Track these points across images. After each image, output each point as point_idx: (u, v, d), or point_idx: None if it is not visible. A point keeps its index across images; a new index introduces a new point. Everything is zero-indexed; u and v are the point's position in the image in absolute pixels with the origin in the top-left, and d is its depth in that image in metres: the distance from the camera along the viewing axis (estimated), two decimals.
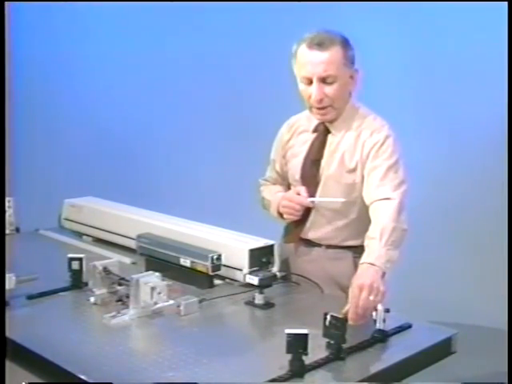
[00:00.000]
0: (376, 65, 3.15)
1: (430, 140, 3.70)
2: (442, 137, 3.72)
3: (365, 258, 2.02)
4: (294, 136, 2.45)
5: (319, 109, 2.28)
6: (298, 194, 2.34)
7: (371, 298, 1.87)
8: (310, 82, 2.24)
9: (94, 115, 4.72)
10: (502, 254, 2.86)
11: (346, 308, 1.89)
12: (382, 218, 2.10)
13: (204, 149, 4.34)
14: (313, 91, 2.24)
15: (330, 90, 2.24)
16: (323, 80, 2.22)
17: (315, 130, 2.38)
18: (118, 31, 4.55)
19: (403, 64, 3.72)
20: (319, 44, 2.21)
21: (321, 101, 2.25)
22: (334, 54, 2.21)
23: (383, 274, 1.97)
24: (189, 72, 4.33)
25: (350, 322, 1.84)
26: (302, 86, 2.28)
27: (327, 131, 2.35)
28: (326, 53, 2.20)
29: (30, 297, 2.13)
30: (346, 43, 2.25)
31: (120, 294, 2.10)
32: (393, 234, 2.05)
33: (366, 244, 2.08)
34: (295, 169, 2.43)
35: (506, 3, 3.14)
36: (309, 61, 2.22)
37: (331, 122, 2.34)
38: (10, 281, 2.09)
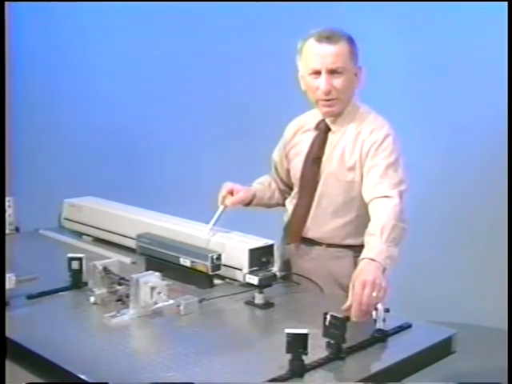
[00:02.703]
0: (376, 64, 3.15)
1: (429, 139, 3.70)
2: (441, 136, 3.73)
3: (365, 253, 2.02)
4: (298, 135, 2.47)
5: (326, 101, 2.30)
6: (232, 194, 2.45)
7: (374, 294, 1.87)
8: (318, 74, 2.27)
9: (94, 115, 4.73)
10: (502, 254, 2.86)
11: (348, 304, 1.90)
12: (382, 215, 2.11)
13: (204, 149, 4.34)
14: (321, 83, 2.26)
15: (337, 82, 2.26)
16: (331, 72, 2.25)
17: (316, 128, 2.39)
18: (119, 31, 4.55)
19: (403, 63, 3.73)
20: (328, 37, 2.25)
21: (328, 92, 2.27)
22: (342, 47, 2.25)
23: (384, 270, 1.97)
24: (190, 72, 4.34)
25: (353, 319, 1.84)
26: (309, 79, 2.30)
27: (328, 129, 2.36)
28: (334, 46, 2.24)
29: (30, 297, 2.13)
30: (351, 40, 2.29)
31: (120, 293, 2.10)
32: (393, 232, 2.05)
33: (365, 240, 2.08)
34: (297, 167, 2.44)
35: (506, 3, 3.15)
36: (318, 53, 2.26)
37: (332, 119, 2.35)
38: (10, 281, 2.08)
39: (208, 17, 4.20)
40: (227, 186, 2.47)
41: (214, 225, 2.41)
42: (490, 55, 3.49)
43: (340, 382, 1.69)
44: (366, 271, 1.94)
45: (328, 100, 2.30)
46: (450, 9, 3.55)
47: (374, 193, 2.19)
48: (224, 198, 2.45)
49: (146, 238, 2.43)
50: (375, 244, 2.03)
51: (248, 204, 2.53)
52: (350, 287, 1.93)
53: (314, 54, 2.27)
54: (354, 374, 1.71)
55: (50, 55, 4.83)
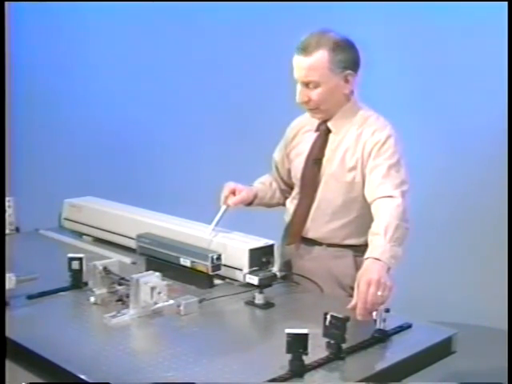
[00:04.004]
0: (377, 65, 3.15)
1: (431, 140, 3.70)
2: (443, 137, 3.73)
3: (369, 253, 2.02)
4: (299, 135, 2.47)
5: (308, 109, 2.34)
6: (234, 194, 2.44)
7: (379, 293, 1.87)
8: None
9: (94, 115, 4.73)
10: (502, 254, 2.86)
11: (353, 303, 1.90)
12: (386, 215, 2.11)
13: (204, 149, 4.34)
14: (297, 93, 2.29)
15: (313, 94, 2.28)
16: (306, 84, 2.26)
17: (317, 129, 2.40)
18: (119, 31, 4.55)
19: (404, 64, 3.73)
20: (303, 49, 2.24)
21: (306, 103, 2.31)
22: (317, 59, 2.23)
23: (388, 270, 1.97)
24: (189, 72, 4.33)
25: (358, 318, 1.85)
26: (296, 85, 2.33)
27: (329, 130, 2.36)
28: (308, 58, 2.24)
29: (30, 297, 2.13)
30: (337, 46, 2.24)
31: (120, 293, 2.10)
32: (397, 231, 2.06)
33: (369, 240, 2.08)
34: (298, 168, 2.44)
35: (506, 3, 3.15)
36: (295, 65, 2.28)
37: (333, 121, 2.35)
38: (10, 281, 2.08)
39: (208, 17, 4.19)
40: (229, 185, 2.47)
41: (217, 225, 2.41)
42: (490, 56, 3.49)
43: (340, 381, 1.69)
44: (371, 270, 1.94)
45: (309, 108, 2.34)
46: (449, 8, 3.55)
47: (376, 193, 2.20)
48: (226, 197, 2.45)
49: (146, 237, 2.43)
50: (379, 243, 2.03)
51: (249, 204, 2.54)
52: (355, 286, 1.93)
53: (293, 65, 2.29)
54: (354, 374, 1.71)
55: (50, 55, 4.83)
